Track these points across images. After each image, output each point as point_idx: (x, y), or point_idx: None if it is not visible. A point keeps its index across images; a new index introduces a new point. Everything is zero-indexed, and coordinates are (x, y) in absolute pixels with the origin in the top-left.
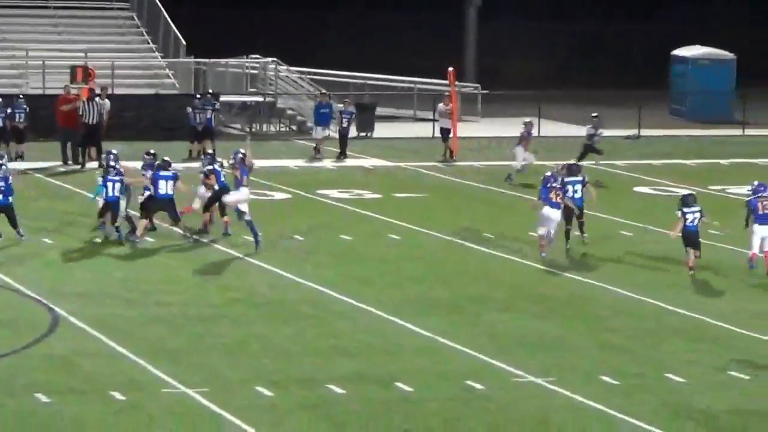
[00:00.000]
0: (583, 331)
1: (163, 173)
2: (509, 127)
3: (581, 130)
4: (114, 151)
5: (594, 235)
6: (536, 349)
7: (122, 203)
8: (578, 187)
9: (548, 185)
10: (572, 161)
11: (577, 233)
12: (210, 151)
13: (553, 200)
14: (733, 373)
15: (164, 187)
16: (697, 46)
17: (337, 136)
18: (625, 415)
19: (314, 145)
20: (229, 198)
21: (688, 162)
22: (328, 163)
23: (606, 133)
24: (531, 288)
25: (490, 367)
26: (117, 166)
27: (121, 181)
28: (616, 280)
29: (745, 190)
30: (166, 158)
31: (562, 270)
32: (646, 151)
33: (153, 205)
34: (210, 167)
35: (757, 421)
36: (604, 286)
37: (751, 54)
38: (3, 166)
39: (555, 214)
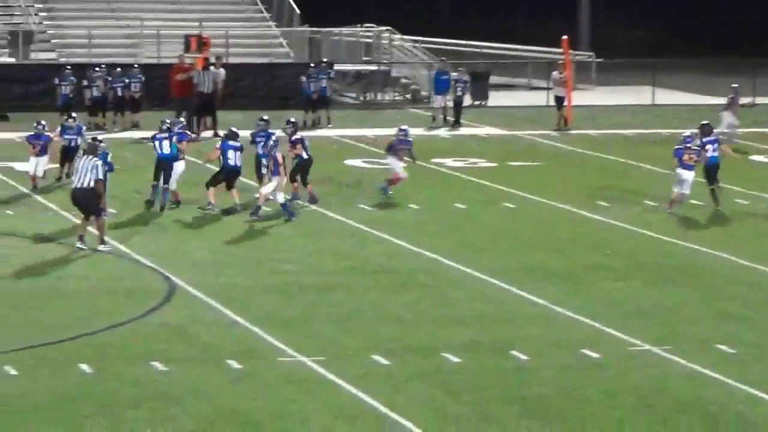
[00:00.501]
0: (699, 300)
1: (231, 143)
2: (622, 95)
3: (696, 98)
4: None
5: (709, 203)
6: (651, 317)
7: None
8: (715, 145)
9: (684, 146)
10: (704, 122)
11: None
12: (293, 119)
13: (687, 162)
14: None
15: (233, 158)
16: None
17: (452, 104)
18: (742, 384)
19: (431, 114)
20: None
21: None
22: (443, 132)
23: (718, 101)
24: (646, 256)
25: (605, 336)
26: (171, 127)
27: (171, 138)
28: (732, 248)
29: None
30: (233, 128)
31: (677, 238)
32: (761, 119)
33: (220, 175)
34: (297, 136)
35: None
36: (719, 254)
37: None
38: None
39: (688, 175)
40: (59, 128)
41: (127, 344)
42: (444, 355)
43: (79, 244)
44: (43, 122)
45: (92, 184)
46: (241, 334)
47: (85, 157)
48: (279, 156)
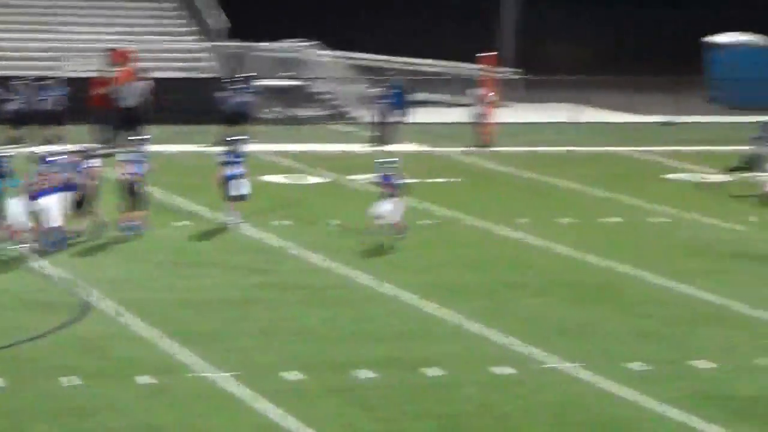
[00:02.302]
0: (615, 317)
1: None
2: (546, 112)
3: (621, 116)
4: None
5: (627, 221)
6: (568, 334)
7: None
8: None
9: None
10: None
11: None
12: (240, 137)
13: None
14: (763, 360)
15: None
16: (734, 33)
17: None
18: (656, 401)
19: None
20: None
21: (724, 149)
22: (364, 148)
23: (643, 119)
24: (563, 274)
25: (522, 352)
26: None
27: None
28: (649, 267)
29: None
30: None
31: (595, 256)
32: (681, 138)
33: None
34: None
35: None
36: (637, 273)
37: None
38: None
39: None
40: None
41: (42, 358)
42: (359, 370)
43: None
44: None
45: None
46: (156, 348)
47: None
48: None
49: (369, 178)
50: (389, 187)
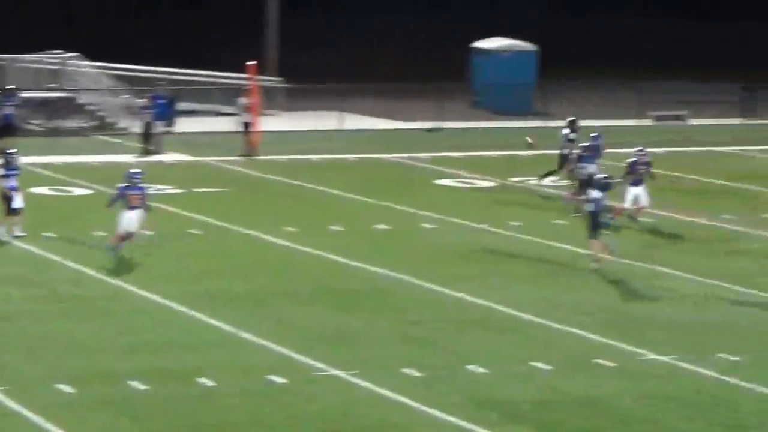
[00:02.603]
0: (385, 324)
1: None
2: (310, 120)
3: (385, 123)
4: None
5: (395, 227)
6: (338, 342)
7: None
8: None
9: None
10: None
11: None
12: (10, 150)
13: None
14: (534, 363)
15: None
16: (498, 38)
17: (142, 131)
18: (428, 407)
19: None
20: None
21: (489, 154)
22: (129, 158)
23: (408, 126)
24: (333, 281)
25: (292, 361)
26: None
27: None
28: (418, 272)
29: (545, 182)
30: None
31: (364, 263)
32: (447, 144)
33: None
34: None
35: (557, 409)
36: (407, 279)
37: (549, 45)
38: None
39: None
40: None
41: None
42: (129, 382)
43: None
44: None
45: None
46: None
47: None
48: None
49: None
50: (136, 199)
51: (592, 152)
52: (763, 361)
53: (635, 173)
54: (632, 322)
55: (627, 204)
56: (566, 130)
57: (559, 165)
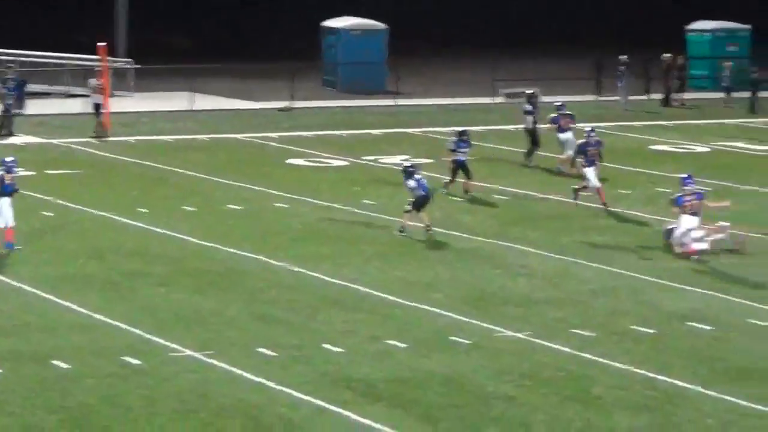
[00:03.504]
0: (241, 304)
1: None
2: (161, 101)
3: (237, 103)
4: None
5: (249, 207)
6: (194, 323)
7: None
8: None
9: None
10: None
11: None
12: None
13: None
14: (389, 341)
15: None
16: (348, 17)
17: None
18: (284, 386)
19: None
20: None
21: (341, 132)
22: None
23: (259, 105)
24: (187, 262)
25: (148, 343)
26: None
27: None
28: (273, 252)
29: (397, 159)
30: None
31: (218, 243)
32: (299, 123)
33: None
34: None
35: (413, 387)
36: (261, 258)
37: (401, 24)
38: None
39: None
40: None
41: None
42: None
43: None
44: None
45: None
46: None
47: None
48: None
49: None
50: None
51: (465, 143)
52: (617, 337)
53: (586, 154)
54: (487, 300)
55: (593, 182)
56: (527, 106)
57: (533, 140)
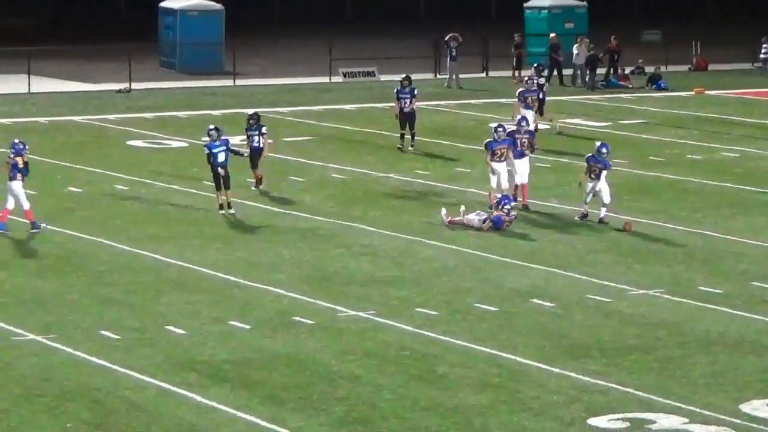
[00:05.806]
0: (82, 287)
1: None
2: None
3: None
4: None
5: (89, 189)
6: (35, 306)
7: None
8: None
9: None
10: None
11: None
12: None
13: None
14: (233, 322)
15: None
16: None
17: None
18: (128, 369)
19: None
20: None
21: (180, 114)
22: None
23: (98, 87)
24: (27, 245)
25: None
26: None
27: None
28: (113, 235)
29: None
30: None
31: (58, 226)
32: (138, 105)
33: None
34: None
35: (258, 368)
36: (102, 241)
37: (238, 4)
38: None
39: None
40: None
41: None
42: None
43: None
44: None
45: None
46: None
47: None
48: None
49: None
50: None
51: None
52: (460, 315)
53: (516, 145)
54: (330, 279)
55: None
56: (541, 78)
57: (540, 111)
